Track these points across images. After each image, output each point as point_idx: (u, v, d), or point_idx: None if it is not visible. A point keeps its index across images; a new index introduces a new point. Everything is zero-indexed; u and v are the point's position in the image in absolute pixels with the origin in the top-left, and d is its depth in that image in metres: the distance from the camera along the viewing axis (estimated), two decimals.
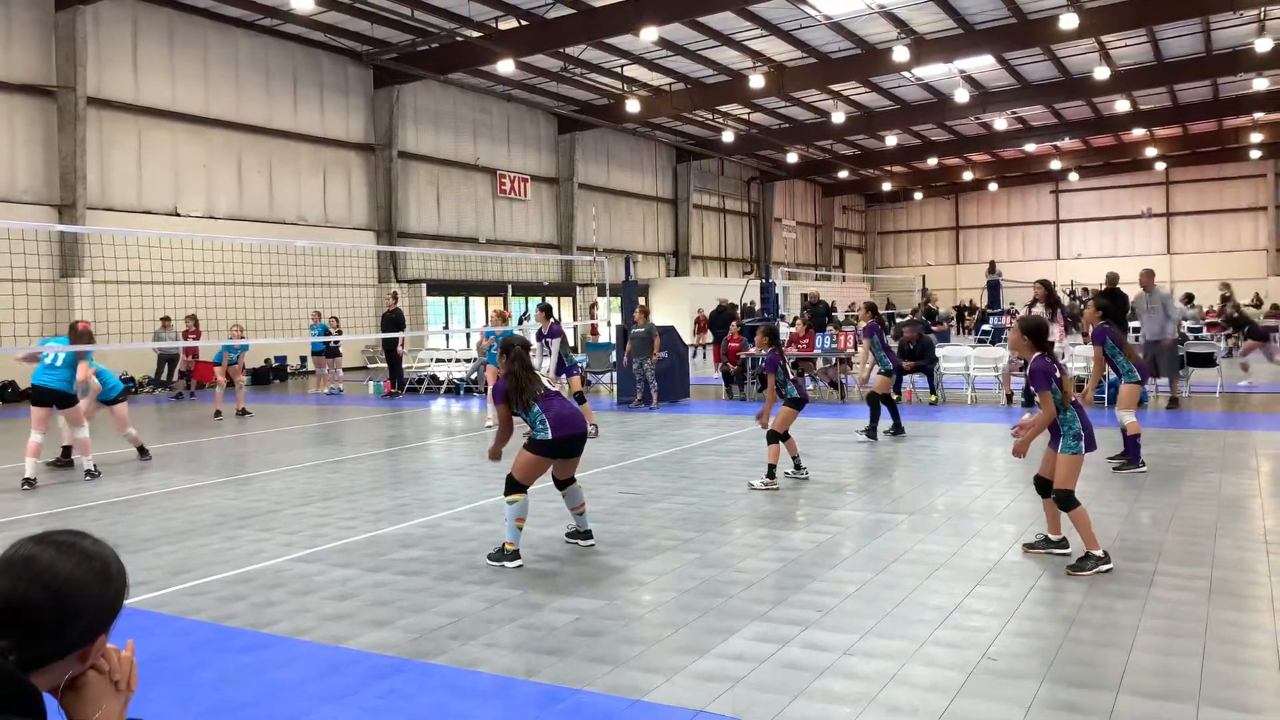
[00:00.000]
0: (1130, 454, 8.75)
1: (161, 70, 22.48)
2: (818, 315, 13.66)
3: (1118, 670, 4.01)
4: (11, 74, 19.82)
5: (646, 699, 3.85)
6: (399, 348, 19.46)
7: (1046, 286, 13.32)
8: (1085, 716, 3.59)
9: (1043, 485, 5.86)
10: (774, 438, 8.35)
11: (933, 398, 15.14)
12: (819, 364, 16.87)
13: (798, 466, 8.70)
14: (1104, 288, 15.07)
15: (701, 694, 3.87)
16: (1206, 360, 15.23)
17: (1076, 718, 3.59)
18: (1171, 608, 4.82)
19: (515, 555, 5.94)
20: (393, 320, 19.30)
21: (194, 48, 23.13)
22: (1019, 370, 13.32)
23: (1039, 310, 13.60)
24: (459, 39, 24.70)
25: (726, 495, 8.10)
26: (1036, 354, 5.68)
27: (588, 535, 6.42)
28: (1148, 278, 13.90)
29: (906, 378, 15.46)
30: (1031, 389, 5.68)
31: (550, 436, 6.00)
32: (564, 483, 6.33)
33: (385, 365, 20.34)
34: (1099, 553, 5.46)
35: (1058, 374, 5.61)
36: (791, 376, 8.78)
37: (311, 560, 6.22)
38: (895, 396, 15.30)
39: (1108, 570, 5.42)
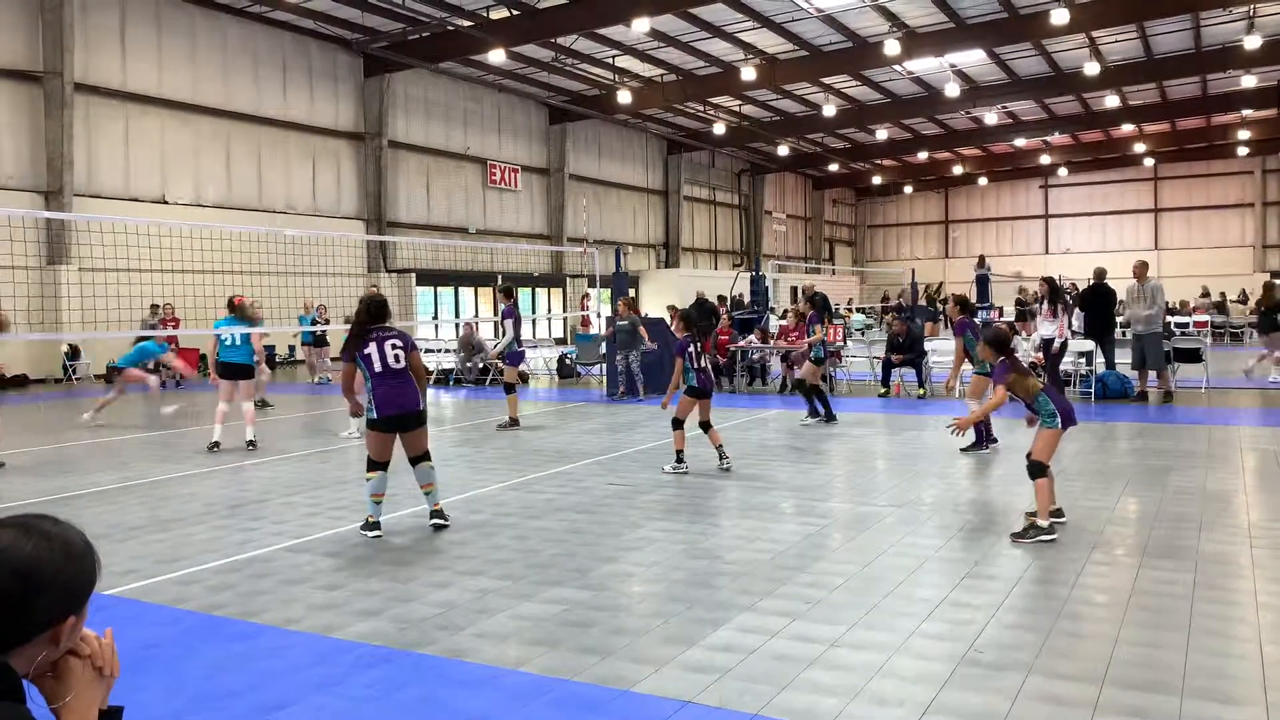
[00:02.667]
0: (978, 440, 9.62)
1: (149, 56, 22.33)
2: (816, 307, 13.69)
3: (1103, 662, 4.05)
4: None
5: (635, 689, 3.86)
6: None
7: (1050, 283, 13.51)
8: (1071, 708, 3.62)
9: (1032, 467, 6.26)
10: (676, 424, 8.88)
11: (920, 391, 15.19)
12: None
13: (721, 457, 8.90)
14: (1091, 282, 15.16)
15: (689, 685, 3.89)
16: (1193, 355, 15.33)
17: (1062, 709, 3.62)
18: (1156, 601, 4.86)
19: (375, 527, 6.48)
20: None
21: (182, 34, 22.97)
22: None
23: (1045, 308, 13.66)
24: (450, 28, 24.59)
25: (715, 487, 8.12)
26: (1000, 359, 6.37)
27: (437, 514, 6.70)
28: (1141, 268, 14.09)
29: (895, 371, 15.51)
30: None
31: (376, 415, 6.48)
32: (413, 459, 6.69)
33: None
34: (1044, 524, 6.02)
35: (1011, 374, 6.25)
36: (698, 366, 8.97)
37: (300, 550, 6.21)
38: (884, 390, 15.43)
39: (1050, 540, 5.92)
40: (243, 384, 10.97)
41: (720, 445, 8.93)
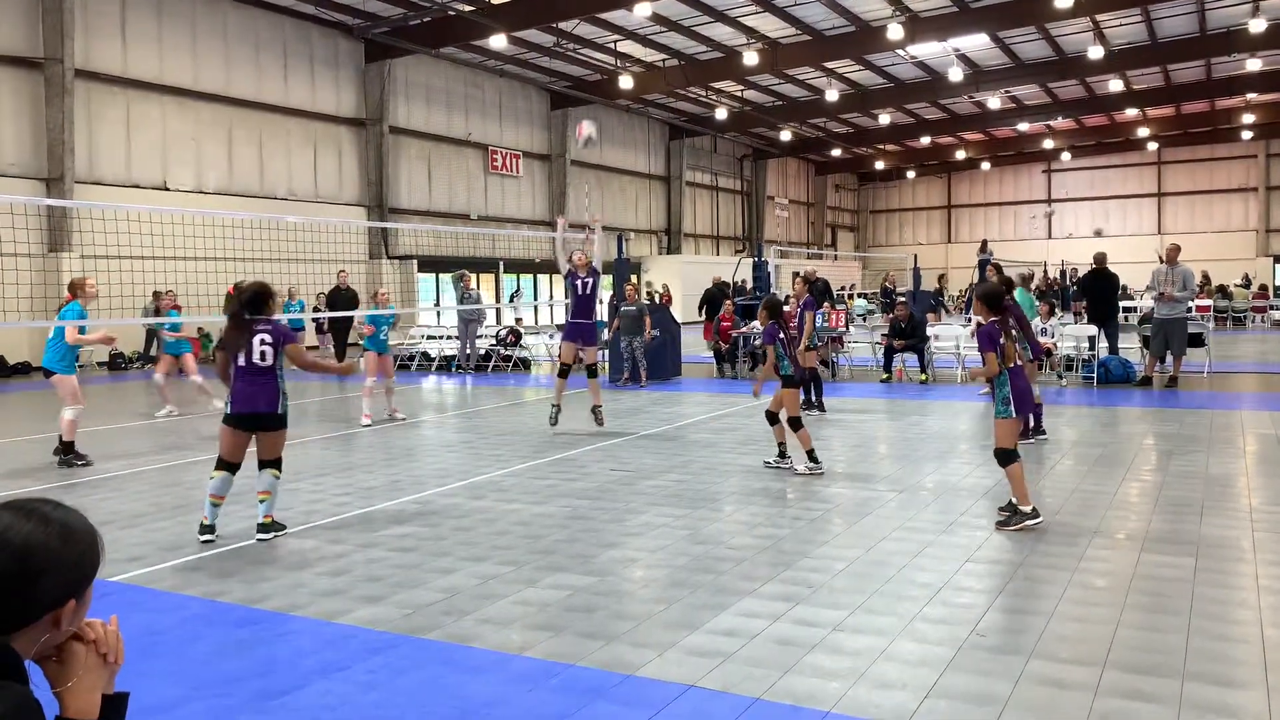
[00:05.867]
0: (1025, 428, 8.99)
1: (150, 42, 22.25)
2: (816, 293, 13.73)
3: (1104, 646, 4.06)
4: None
5: (638, 674, 3.88)
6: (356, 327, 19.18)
7: (998, 269, 13.75)
8: (1072, 691, 3.64)
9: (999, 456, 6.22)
10: (773, 419, 8.22)
11: (923, 376, 15.19)
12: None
13: (813, 459, 7.94)
14: (1093, 267, 15.15)
15: (692, 669, 3.91)
16: (1195, 340, 15.32)
17: (1063, 692, 3.63)
18: (1157, 585, 4.88)
19: (209, 530, 6.09)
20: (347, 300, 18.86)
21: (182, 20, 22.88)
22: None
23: None
24: (451, 12, 24.49)
25: (718, 473, 8.13)
26: (992, 319, 6.19)
27: (263, 527, 6.16)
28: (1174, 251, 14.08)
29: (897, 356, 15.52)
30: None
31: (229, 410, 6.11)
32: (262, 463, 6.18)
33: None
34: (1027, 509, 6.00)
35: (1002, 339, 6.12)
36: (790, 353, 8.19)
37: (305, 536, 6.23)
38: (886, 376, 15.43)
39: (1036, 524, 5.93)
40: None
41: (810, 449, 7.99)
